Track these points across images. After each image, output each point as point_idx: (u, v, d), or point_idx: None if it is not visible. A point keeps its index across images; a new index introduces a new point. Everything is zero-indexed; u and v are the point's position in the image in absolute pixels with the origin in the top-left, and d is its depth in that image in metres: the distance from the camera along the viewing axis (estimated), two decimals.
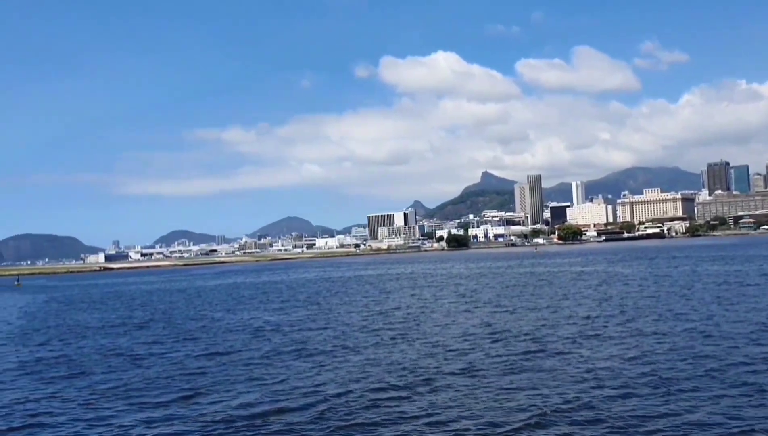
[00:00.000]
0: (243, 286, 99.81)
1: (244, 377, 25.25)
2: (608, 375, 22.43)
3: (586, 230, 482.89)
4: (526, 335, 32.34)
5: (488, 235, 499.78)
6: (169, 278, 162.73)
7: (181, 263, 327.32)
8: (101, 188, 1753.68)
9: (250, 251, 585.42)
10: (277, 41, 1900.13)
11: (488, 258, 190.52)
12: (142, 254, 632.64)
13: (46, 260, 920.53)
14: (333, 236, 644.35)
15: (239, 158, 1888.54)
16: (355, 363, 27.00)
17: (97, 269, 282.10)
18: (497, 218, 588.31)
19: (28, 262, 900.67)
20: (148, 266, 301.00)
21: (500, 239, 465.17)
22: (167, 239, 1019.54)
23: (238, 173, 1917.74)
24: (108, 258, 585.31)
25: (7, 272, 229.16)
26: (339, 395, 21.55)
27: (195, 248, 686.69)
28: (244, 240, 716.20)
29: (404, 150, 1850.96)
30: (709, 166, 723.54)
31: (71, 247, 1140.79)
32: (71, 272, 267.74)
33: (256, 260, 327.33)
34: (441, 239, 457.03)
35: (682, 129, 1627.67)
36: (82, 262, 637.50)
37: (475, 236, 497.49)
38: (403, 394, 21.28)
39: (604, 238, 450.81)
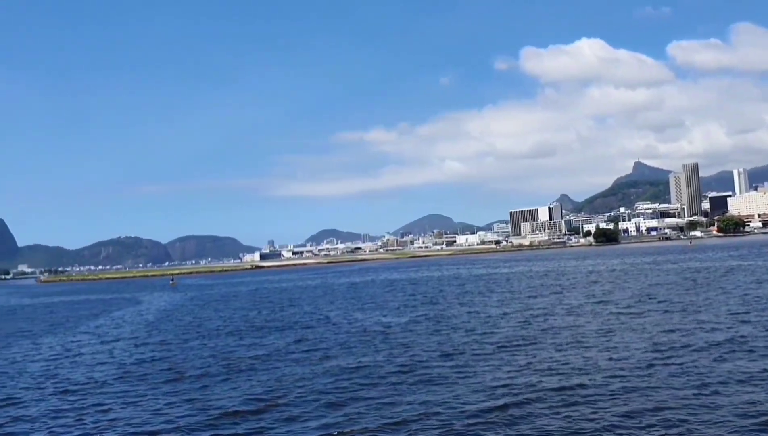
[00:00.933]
0: (374, 284, 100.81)
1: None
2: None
3: (750, 221, 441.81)
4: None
5: (640, 228, 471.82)
6: (315, 275, 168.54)
7: (325, 261, 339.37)
8: (256, 191, 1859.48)
9: (392, 248, 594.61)
10: (413, 39, 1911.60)
11: (638, 253, 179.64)
12: (294, 253, 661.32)
13: (209, 259, 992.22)
14: (474, 233, 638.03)
15: (382, 158, 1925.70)
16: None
17: (249, 267, 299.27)
18: (650, 211, 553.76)
19: (193, 261, 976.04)
20: (296, 264, 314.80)
21: (653, 233, 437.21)
22: (317, 238, 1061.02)
23: (382, 173, 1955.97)
24: (262, 257, 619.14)
25: (168, 272, 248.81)
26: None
27: (341, 246, 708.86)
28: (386, 238, 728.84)
29: (549, 142, 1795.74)
30: None
31: (231, 246, 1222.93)
32: (226, 270, 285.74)
33: (396, 257, 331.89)
34: (588, 233, 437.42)
35: None
36: (239, 260, 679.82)
37: (626, 230, 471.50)
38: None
39: None
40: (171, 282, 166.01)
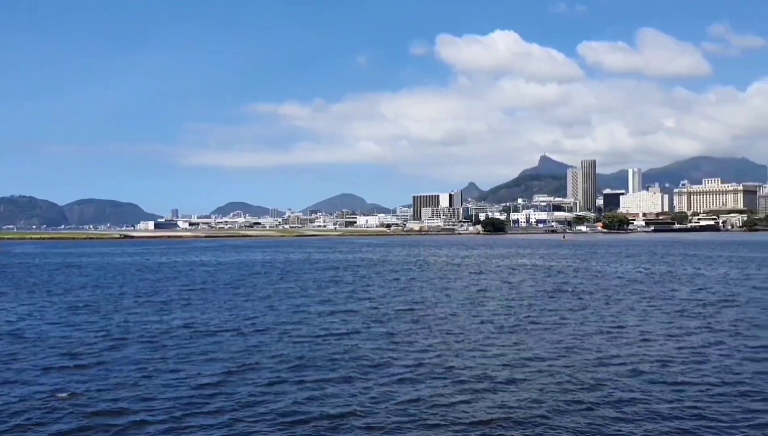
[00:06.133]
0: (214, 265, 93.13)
1: None
2: None
3: (635, 219, 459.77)
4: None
5: (530, 220, 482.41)
6: (165, 249, 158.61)
7: (202, 235, 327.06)
8: (164, 158, 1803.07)
9: (293, 225, 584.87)
10: (332, 15, 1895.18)
11: (513, 245, 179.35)
12: (191, 224, 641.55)
13: (108, 224, 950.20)
14: (387, 214, 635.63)
15: (296, 133, 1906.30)
16: None
17: (118, 236, 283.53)
18: (544, 203, 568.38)
19: (90, 226, 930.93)
20: (169, 236, 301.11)
21: (541, 225, 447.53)
22: (224, 210, 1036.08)
23: (296, 149, 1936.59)
24: (157, 226, 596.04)
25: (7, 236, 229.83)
26: None
27: (241, 220, 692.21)
28: (287, 214, 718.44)
29: (461, 130, 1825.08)
30: None
31: (132, 213, 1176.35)
32: (91, 238, 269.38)
33: (282, 236, 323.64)
34: (479, 222, 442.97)
35: (753, 118, 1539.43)
36: (132, 228, 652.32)
37: (516, 221, 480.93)
38: None
39: (652, 228, 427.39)
40: None
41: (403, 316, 33.63)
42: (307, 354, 23.62)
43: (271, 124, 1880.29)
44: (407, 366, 21.63)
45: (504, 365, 21.80)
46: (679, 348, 24.44)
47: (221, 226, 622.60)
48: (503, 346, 25.06)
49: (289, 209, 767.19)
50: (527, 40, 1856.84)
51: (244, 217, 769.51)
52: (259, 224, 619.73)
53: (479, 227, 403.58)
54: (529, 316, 33.18)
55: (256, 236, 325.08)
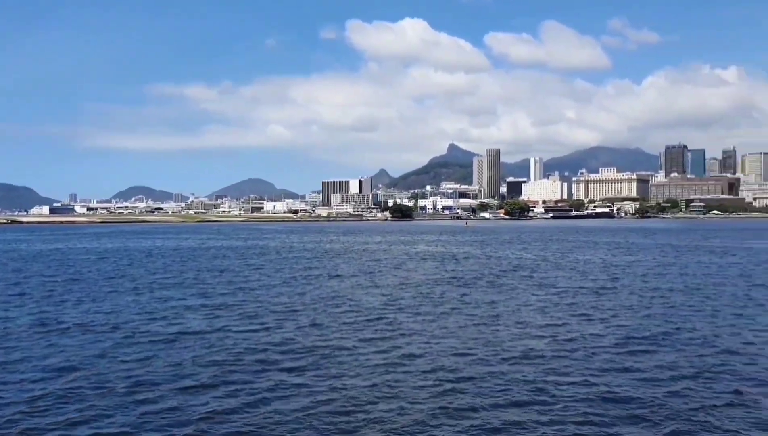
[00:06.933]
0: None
1: None
2: None
3: (535, 207, 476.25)
4: None
5: (437, 207, 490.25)
6: (51, 236, 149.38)
7: (98, 220, 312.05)
8: (63, 140, 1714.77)
9: (197, 211, 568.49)
10: None
11: (417, 231, 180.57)
12: (89, 209, 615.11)
13: None
14: (295, 200, 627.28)
15: (203, 116, 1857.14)
16: None
17: (4, 221, 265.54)
18: (451, 190, 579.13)
19: None
20: (62, 222, 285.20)
21: (447, 212, 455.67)
22: (126, 195, 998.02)
23: (203, 132, 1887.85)
24: (54, 211, 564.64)
25: None
26: None
27: (142, 205, 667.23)
28: (191, 200, 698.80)
29: (373, 117, 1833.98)
30: (667, 148, 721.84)
31: (27, 198, 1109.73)
32: None
33: (182, 221, 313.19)
34: (388, 208, 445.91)
35: (647, 111, 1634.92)
36: (25, 213, 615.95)
37: (424, 208, 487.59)
38: None
39: (551, 215, 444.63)
40: None
41: (278, 311, 32.07)
42: (158, 355, 21.73)
43: (177, 106, 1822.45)
44: (265, 370, 20.16)
45: (352, 348, 20.71)
46: (547, 337, 24.18)
47: (121, 211, 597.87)
48: (364, 334, 24.02)
49: (193, 194, 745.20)
50: (436, 28, 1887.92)
51: (147, 202, 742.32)
52: (161, 209, 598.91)
53: (387, 214, 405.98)
54: (406, 305, 32.39)
55: (157, 221, 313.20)
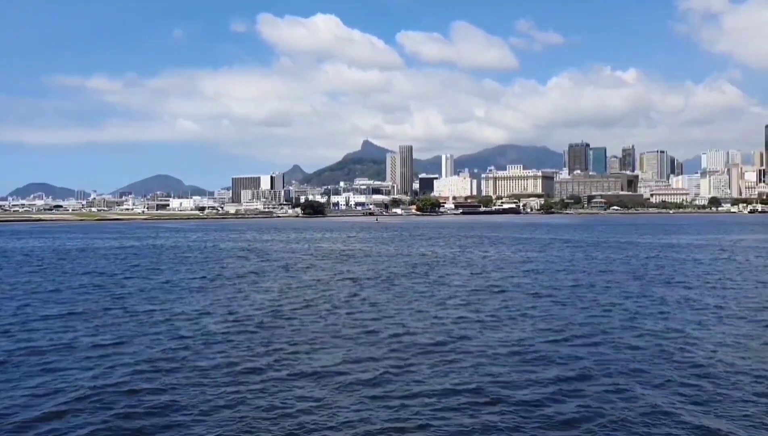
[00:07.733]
0: None
1: None
2: None
3: (445, 202, 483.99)
4: None
5: (350, 203, 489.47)
6: None
7: None
8: None
9: (99, 208, 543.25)
10: None
11: (326, 228, 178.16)
12: None
13: None
14: (204, 197, 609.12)
15: (106, 109, 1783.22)
16: None
17: None
18: (364, 187, 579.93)
19: None
20: None
21: (360, 208, 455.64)
22: (23, 192, 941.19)
23: (106, 126, 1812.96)
24: None
25: None
26: None
27: (40, 203, 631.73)
28: (92, 197, 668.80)
29: (286, 112, 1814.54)
30: (571, 146, 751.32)
31: None
32: None
33: (81, 220, 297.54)
34: (299, 205, 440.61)
35: (552, 110, 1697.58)
36: None
37: (337, 204, 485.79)
38: None
39: (461, 211, 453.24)
40: None
41: (140, 316, 29.50)
42: None
43: (78, 99, 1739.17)
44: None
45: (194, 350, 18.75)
46: (432, 338, 23.00)
47: (17, 209, 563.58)
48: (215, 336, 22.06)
49: (94, 191, 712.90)
50: (348, 25, 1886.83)
51: (46, 199, 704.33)
52: (60, 207, 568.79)
53: (299, 210, 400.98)
54: (286, 305, 30.58)
55: (53, 219, 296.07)
